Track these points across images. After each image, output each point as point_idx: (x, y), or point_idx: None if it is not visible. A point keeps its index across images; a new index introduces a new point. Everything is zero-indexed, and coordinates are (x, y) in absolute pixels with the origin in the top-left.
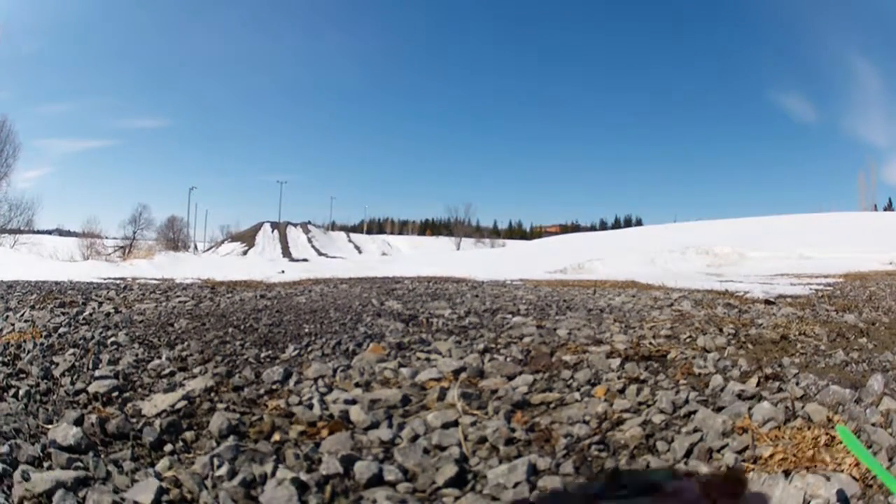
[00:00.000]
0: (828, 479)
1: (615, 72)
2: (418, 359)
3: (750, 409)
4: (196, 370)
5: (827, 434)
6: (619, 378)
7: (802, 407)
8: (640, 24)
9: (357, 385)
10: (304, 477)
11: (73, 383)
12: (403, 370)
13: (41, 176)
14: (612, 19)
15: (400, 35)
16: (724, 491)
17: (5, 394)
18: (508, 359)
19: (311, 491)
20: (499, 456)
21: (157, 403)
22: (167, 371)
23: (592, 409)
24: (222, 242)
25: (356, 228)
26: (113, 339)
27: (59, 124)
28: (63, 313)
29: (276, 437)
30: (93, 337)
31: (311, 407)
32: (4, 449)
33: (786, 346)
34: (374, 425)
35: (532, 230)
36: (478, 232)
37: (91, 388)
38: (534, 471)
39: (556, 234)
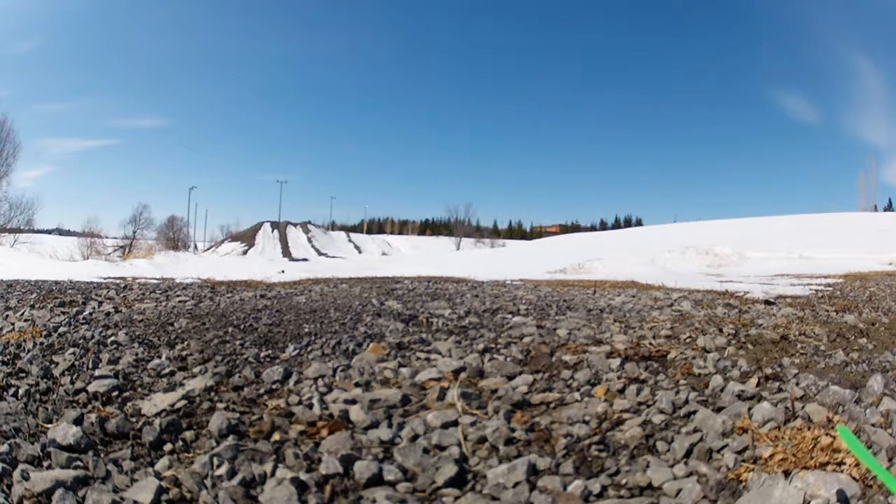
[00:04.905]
0: (828, 479)
1: (615, 72)
2: (418, 359)
3: (750, 409)
4: (196, 370)
5: (827, 434)
6: (619, 378)
7: (802, 407)
8: (640, 24)
9: (357, 385)
10: (303, 476)
11: (72, 382)
12: (403, 370)
13: (41, 175)
14: (612, 19)
15: (400, 36)
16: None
17: (5, 393)
18: (508, 359)
19: (311, 490)
20: (498, 456)
21: (156, 403)
22: (167, 370)
23: (592, 409)
24: (222, 242)
25: (356, 228)
26: (113, 338)
27: (59, 123)
28: (63, 313)
29: (276, 436)
30: (93, 336)
31: (310, 407)
32: (4, 448)
33: (786, 346)
34: (374, 425)
35: (532, 230)
36: (478, 232)
37: (91, 388)
38: (534, 471)
39: (556, 234)
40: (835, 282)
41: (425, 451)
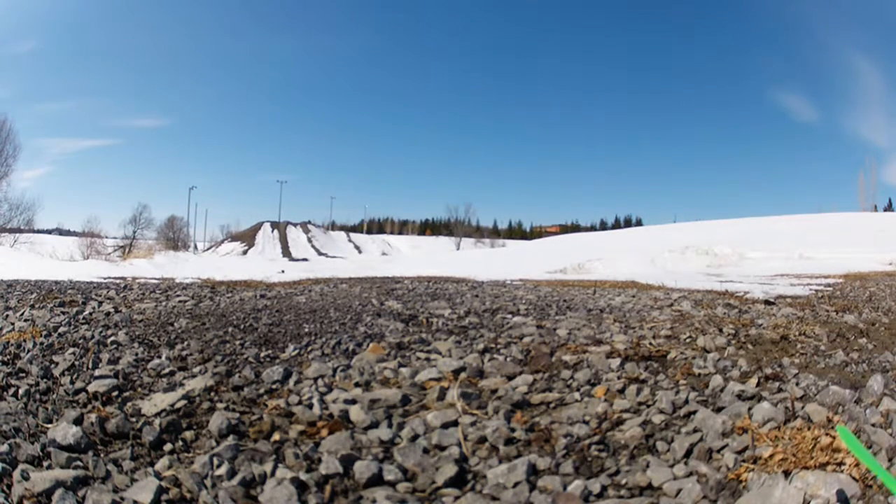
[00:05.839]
0: (828, 479)
1: (615, 72)
2: (418, 359)
3: (750, 409)
4: (196, 370)
5: (827, 434)
6: (619, 378)
7: (802, 407)
8: (640, 24)
9: (357, 385)
10: (303, 476)
11: (72, 382)
12: (403, 370)
13: (41, 175)
14: (612, 20)
15: (399, 36)
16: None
17: (5, 393)
18: (508, 359)
19: (311, 490)
20: (498, 456)
21: (156, 403)
22: (167, 370)
23: (592, 409)
24: (222, 242)
25: (356, 228)
26: (113, 338)
27: (58, 123)
28: (63, 312)
29: (276, 436)
30: (93, 336)
31: (310, 406)
32: (4, 448)
33: (786, 346)
34: (374, 425)
35: (532, 230)
36: (478, 232)
37: (91, 388)
38: (533, 471)
39: (556, 234)
40: (835, 282)
41: (425, 451)
